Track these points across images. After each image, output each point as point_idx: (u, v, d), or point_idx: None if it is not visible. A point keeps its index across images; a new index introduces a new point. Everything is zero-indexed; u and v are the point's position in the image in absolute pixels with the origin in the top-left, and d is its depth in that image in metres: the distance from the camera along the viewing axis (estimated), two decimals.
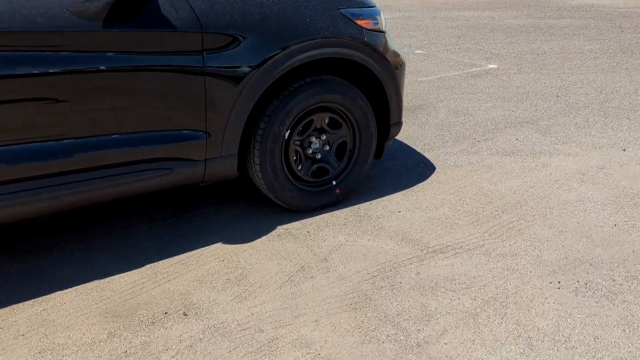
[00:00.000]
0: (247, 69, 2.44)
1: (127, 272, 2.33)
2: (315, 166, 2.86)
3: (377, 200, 2.99)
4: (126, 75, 2.19)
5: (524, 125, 4.21)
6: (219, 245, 2.55)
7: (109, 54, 2.14)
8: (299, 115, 2.69)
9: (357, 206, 2.93)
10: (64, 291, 2.20)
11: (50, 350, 1.87)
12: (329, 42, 2.64)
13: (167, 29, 2.23)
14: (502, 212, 2.82)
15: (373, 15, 2.87)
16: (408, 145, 3.82)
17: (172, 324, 1.99)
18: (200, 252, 2.49)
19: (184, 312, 2.06)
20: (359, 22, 2.77)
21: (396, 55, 2.99)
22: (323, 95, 2.69)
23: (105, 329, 1.97)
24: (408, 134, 4.04)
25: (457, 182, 3.20)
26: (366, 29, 2.79)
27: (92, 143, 2.21)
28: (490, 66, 6.32)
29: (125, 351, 1.86)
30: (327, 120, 2.83)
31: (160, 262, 2.41)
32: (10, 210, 2.10)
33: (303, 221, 2.77)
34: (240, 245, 2.55)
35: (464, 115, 4.48)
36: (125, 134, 2.26)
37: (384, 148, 3.14)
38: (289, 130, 2.67)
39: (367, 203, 2.96)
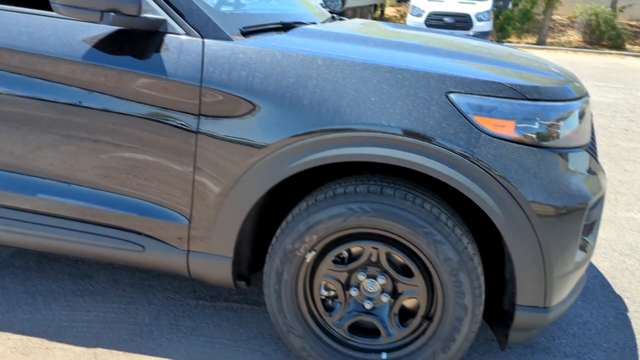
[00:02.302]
0: (251, 150, 1.68)
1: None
2: (358, 318, 1.83)
3: None
4: (102, 116, 1.76)
5: None
6: None
7: (89, 90, 1.76)
8: (335, 237, 1.73)
9: None
10: None
11: None
12: (395, 140, 1.60)
13: (163, 75, 1.70)
14: None
15: (531, 115, 1.64)
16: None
17: None
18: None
19: None
20: (480, 119, 1.60)
21: (560, 194, 1.64)
22: (372, 218, 1.66)
23: None
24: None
25: None
26: (491, 135, 1.60)
27: (53, 187, 1.87)
28: None
29: None
30: (386, 256, 1.76)
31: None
32: None
33: None
34: None
35: None
36: (91, 187, 1.84)
37: (507, 338, 1.80)
38: (313, 252, 1.75)
39: None
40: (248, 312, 2.26)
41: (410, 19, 11.65)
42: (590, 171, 1.81)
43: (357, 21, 2.97)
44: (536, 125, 1.63)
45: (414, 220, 1.64)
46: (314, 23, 2.27)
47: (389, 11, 20.39)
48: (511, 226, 1.61)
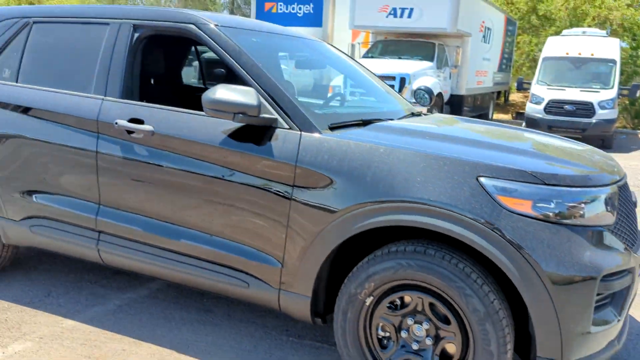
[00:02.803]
0: (327, 213, 2.26)
1: None
2: (407, 356, 2.25)
3: None
4: (219, 184, 2.47)
5: None
6: None
7: (218, 165, 2.48)
8: (387, 287, 2.21)
9: None
10: None
11: None
12: (433, 211, 2.08)
13: (272, 157, 2.38)
14: None
15: (547, 197, 2.04)
16: None
17: None
18: None
19: None
20: (503, 198, 2.04)
21: (571, 266, 1.98)
22: (416, 272, 2.13)
23: None
24: None
25: None
26: (512, 211, 2.02)
27: (192, 234, 2.59)
28: None
29: None
30: (429, 306, 2.19)
31: None
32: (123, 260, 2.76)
33: None
34: None
35: None
36: (206, 232, 2.53)
37: None
38: (371, 297, 2.24)
39: None
40: (327, 350, 2.75)
41: (530, 107, 11.81)
42: (612, 248, 2.11)
43: (435, 116, 3.50)
44: (552, 205, 2.02)
45: (449, 276, 2.07)
46: (391, 119, 2.86)
47: (515, 97, 20.44)
48: (527, 287, 1.98)
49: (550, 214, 2.03)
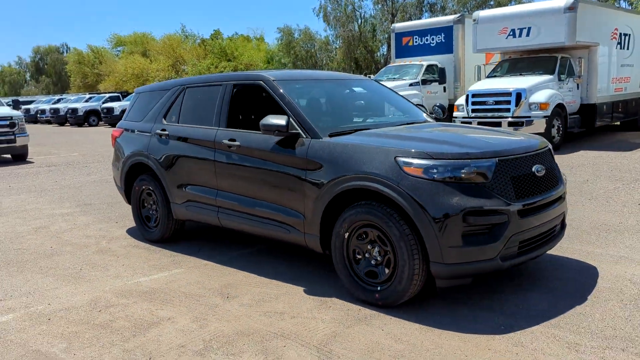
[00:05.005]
0: (322, 183, 3.91)
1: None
2: (369, 269, 3.77)
3: None
4: (271, 173, 4.27)
5: None
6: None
7: (270, 162, 4.30)
8: (354, 226, 3.77)
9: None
10: None
11: None
12: (368, 178, 3.61)
13: (295, 154, 4.12)
14: None
15: (433, 166, 3.43)
16: None
17: None
18: None
19: None
20: (407, 169, 3.50)
21: (444, 206, 3.35)
22: (365, 215, 3.66)
23: None
24: None
25: None
26: (411, 175, 3.46)
27: (246, 201, 4.44)
28: None
29: None
30: (377, 235, 3.68)
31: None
32: (230, 222, 4.69)
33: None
34: None
35: None
36: (267, 201, 4.34)
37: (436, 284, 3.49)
38: (347, 233, 3.82)
39: None
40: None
41: None
42: (479, 196, 3.40)
43: (430, 124, 4.85)
44: (435, 171, 3.42)
45: (382, 217, 3.57)
46: (387, 127, 4.40)
47: None
48: (419, 220, 3.39)
49: (435, 176, 3.43)
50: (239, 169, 4.58)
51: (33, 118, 36.30)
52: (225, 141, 4.65)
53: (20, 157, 14.15)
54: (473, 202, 3.39)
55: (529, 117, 11.26)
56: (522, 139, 4.05)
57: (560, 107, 11.67)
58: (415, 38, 16.25)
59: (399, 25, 17.35)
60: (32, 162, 13.69)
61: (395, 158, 3.58)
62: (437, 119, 5.26)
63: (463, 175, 3.44)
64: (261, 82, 4.61)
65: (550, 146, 4.21)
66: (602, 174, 8.61)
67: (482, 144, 3.77)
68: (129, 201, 5.97)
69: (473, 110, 11.92)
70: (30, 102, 42.36)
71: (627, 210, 6.11)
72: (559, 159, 10.49)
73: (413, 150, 3.57)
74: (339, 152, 3.88)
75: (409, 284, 3.51)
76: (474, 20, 13.36)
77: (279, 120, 4.10)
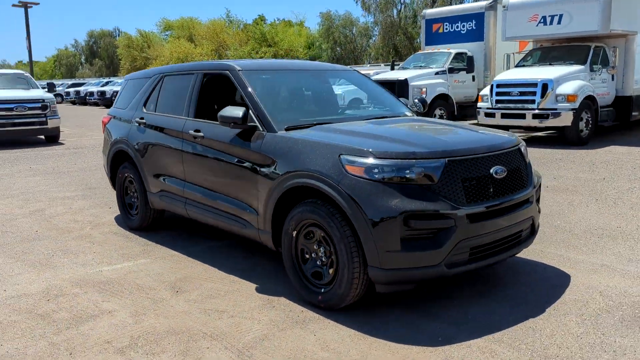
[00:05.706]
0: (273, 179, 3.77)
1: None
2: (315, 269, 3.63)
3: None
4: (230, 166, 4.16)
5: None
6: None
7: (229, 154, 4.19)
8: (301, 225, 3.62)
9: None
10: None
11: None
12: (312, 175, 3.44)
13: (250, 148, 4.00)
14: None
15: (375, 166, 3.23)
16: None
17: None
18: None
19: None
20: (349, 167, 3.31)
21: (382, 208, 3.15)
22: (310, 214, 3.50)
23: None
24: None
25: None
26: (352, 175, 3.28)
27: (209, 194, 4.35)
28: None
29: None
30: (322, 236, 3.52)
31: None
32: (196, 214, 4.62)
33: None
34: None
35: None
36: (226, 195, 4.24)
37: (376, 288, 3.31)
38: (295, 231, 3.68)
39: None
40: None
41: None
42: (421, 199, 3.18)
43: (400, 119, 4.59)
44: (376, 170, 3.22)
45: (324, 216, 3.40)
46: (346, 121, 4.21)
47: None
48: (357, 221, 3.20)
49: (377, 176, 3.23)
50: (203, 160, 4.49)
51: (82, 100, 37.60)
52: (191, 132, 4.57)
53: (52, 138, 14.63)
54: (414, 205, 3.17)
55: (555, 109, 10.68)
56: (487, 137, 3.78)
57: (590, 99, 11.02)
58: (446, 25, 15.69)
59: (429, 12, 16.78)
60: (62, 144, 14.13)
61: (339, 156, 3.40)
62: (418, 113, 5.00)
63: (407, 176, 3.23)
64: (227, 71, 4.50)
65: (522, 146, 3.92)
66: (623, 172, 8.07)
67: (434, 143, 3.53)
68: (114, 188, 6.02)
69: (497, 102, 11.42)
70: (81, 85, 43.89)
71: (632, 214, 5.67)
72: (585, 153, 9.93)
73: (357, 148, 3.38)
74: (290, 147, 3.73)
75: (349, 287, 3.34)
76: (504, 6, 12.73)
77: (236, 112, 3.98)
